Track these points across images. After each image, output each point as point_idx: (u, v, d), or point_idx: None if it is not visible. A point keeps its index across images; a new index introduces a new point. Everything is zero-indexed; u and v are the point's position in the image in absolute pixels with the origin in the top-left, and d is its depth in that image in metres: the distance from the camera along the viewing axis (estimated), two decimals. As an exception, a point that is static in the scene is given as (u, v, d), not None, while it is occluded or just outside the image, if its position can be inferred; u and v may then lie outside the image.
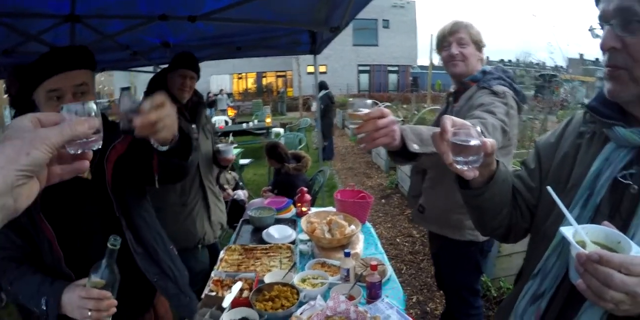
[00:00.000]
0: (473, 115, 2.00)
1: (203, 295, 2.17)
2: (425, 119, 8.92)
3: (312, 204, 4.03)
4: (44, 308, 1.52)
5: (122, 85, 31.81)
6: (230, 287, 2.18)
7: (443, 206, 2.44)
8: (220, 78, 33.70)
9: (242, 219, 3.47)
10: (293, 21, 3.55)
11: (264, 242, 2.91)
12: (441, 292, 3.87)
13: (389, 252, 5.24)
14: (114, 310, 1.48)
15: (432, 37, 10.55)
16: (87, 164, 0.79)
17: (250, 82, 37.49)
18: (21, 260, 1.64)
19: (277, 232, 3.00)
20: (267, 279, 2.29)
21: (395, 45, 35.31)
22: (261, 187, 4.98)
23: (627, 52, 0.96)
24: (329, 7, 3.10)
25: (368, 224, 3.27)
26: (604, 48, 1.00)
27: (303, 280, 2.26)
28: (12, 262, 1.63)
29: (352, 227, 2.67)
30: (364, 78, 36.44)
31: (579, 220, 1.06)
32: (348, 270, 2.19)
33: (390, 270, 2.43)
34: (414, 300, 4.16)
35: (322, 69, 32.99)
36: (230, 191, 5.11)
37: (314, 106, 15.19)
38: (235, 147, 9.16)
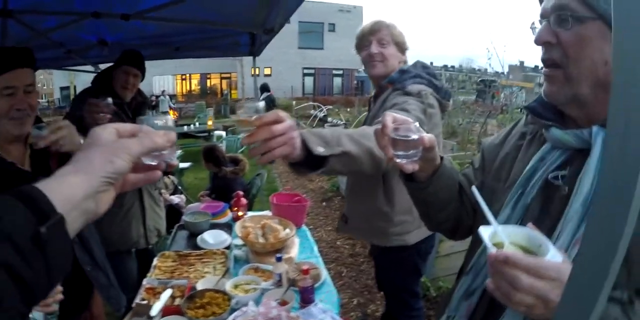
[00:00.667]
0: (379, 121, 1.85)
1: (134, 304, 2.10)
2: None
3: (250, 208, 3.99)
4: None
5: (62, 84, 30.66)
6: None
7: (365, 214, 2.40)
8: (163, 79, 32.98)
9: (177, 225, 3.38)
10: (230, 22, 3.51)
11: (199, 248, 2.85)
12: (382, 293, 3.90)
13: (330, 255, 5.26)
14: (61, 296, 1.56)
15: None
16: (159, 174, 0.84)
17: (194, 84, 36.88)
18: None
19: (211, 238, 2.94)
20: (200, 285, 2.24)
21: (340, 49, 35.47)
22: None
23: (561, 48, 0.97)
24: (265, 8, 3.07)
25: (304, 228, 3.24)
26: (538, 42, 1.01)
27: (235, 286, 2.22)
28: None
29: (287, 231, 2.65)
30: (309, 81, 36.58)
31: (509, 220, 1.08)
32: (280, 275, 2.17)
33: (324, 274, 2.42)
34: (354, 302, 4.17)
35: (266, 71, 32.85)
36: (167, 196, 4.98)
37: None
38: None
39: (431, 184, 1.24)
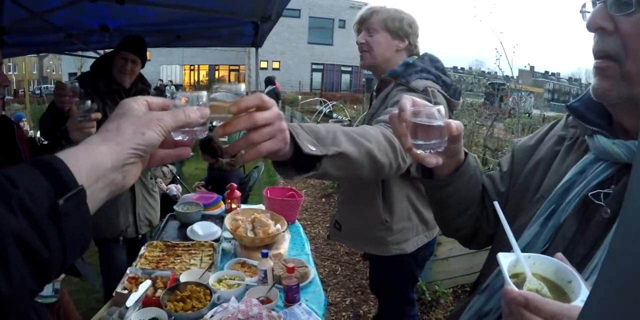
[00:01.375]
0: (380, 120, 1.55)
1: (114, 293, 2.04)
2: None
3: (246, 201, 3.92)
4: None
5: (70, 70, 30.61)
6: (148, 285, 2.07)
7: (361, 223, 2.23)
8: (170, 68, 33.01)
9: (168, 214, 3.32)
10: (229, 10, 3.44)
11: (189, 239, 2.79)
12: (375, 295, 3.84)
13: (325, 252, 5.20)
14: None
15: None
16: (188, 150, 0.81)
17: (202, 75, 36.89)
18: None
19: (201, 229, 2.88)
20: (183, 278, 2.18)
21: (350, 46, 35.31)
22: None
23: (618, 36, 0.80)
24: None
25: (298, 224, 3.17)
26: (591, 27, 0.84)
27: (219, 281, 2.15)
28: None
29: (278, 226, 2.57)
30: (317, 76, 36.54)
31: (535, 239, 0.94)
32: (265, 272, 2.10)
33: (313, 273, 2.34)
34: (347, 302, 4.10)
35: (275, 65, 32.92)
36: (163, 185, 4.93)
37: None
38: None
39: (452, 183, 1.09)
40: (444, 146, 0.93)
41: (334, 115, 16.61)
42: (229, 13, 3.49)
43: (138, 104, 0.71)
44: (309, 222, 6.09)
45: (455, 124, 0.92)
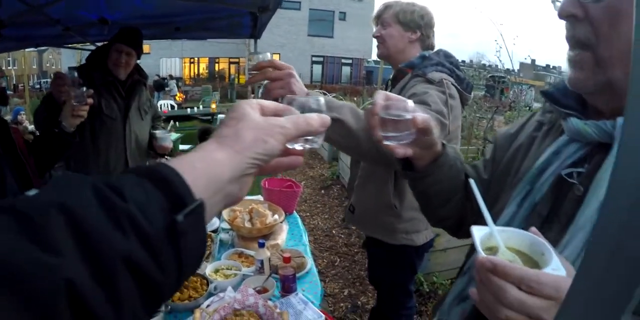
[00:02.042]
0: None
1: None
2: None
3: (244, 191, 3.90)
4: None
5: (70, 64, 30.54)
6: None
7: (372, 207, 2.27)
8: (170, 61, 32.94)
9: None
10: (232, 1, 3.41)
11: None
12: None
13: (324, 243, 5.20)
14: None
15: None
16: (301, 159, 0.75)
17: (202, 68, 36.79)
18: None
19: (199, 220, 2.87)
20: (180, 268, 2.17)
21: (350, 38, 35.42)
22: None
23: (589, 23, 0.82)
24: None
25: (296, 215, 3.16)
26: (562, 15, 0.86)
27: (216, 271, 2.15)
28: None
29: (275, 217, 2.57)
30: (317, 69, 36.42)
31: (512, 219, 0.96)
32: (262, 262, 2.10)
33: (310, 263, 2.34)
34: (345, 293, 4.10)
35: (275, 57, 32.63)
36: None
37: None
38: (173, 132, 8.94)
39: (432, 173, 1.12)
40: (411, 138, 0.99)
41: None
42: (226, 3, 3.47)
43: (253, 107, 0.65)
44: (308, 214, 6.10)
45: (420, 117, 0.95)
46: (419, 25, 2.18)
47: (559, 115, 0.99)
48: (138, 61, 3.04)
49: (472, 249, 1.14)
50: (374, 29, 2.29)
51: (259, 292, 1.92)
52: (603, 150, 0.86)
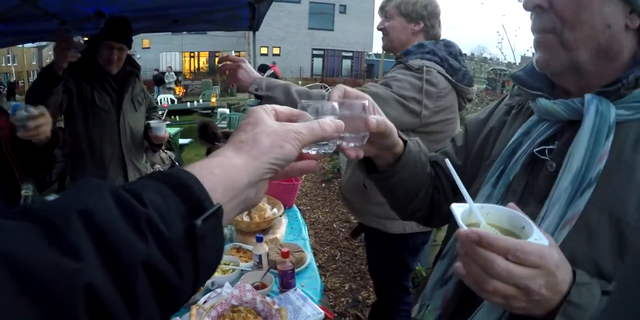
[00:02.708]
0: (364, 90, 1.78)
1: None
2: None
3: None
4: None
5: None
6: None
7: (351, 185, 2.33)
8: (170, 55, 32.90)
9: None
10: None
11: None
12: (374, 280, 3.82)
13: (325, 237, 5.18)
14: None
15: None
16: (314, 164, 0.75)
17: (202, 61, 36.72)
18: None
19: (197, 215, 2.83)
20: (178, 263, 2.14)
21: (351, 31, 35.31)
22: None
23: (554, 13, 0.85)
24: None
25: (296, 208, 3.14)
26: (527, 7, 0.89)
27: (214, 266, 2.12)
28: None
29: (274, 210, 2.54)
30: (318, 62, 36.36)
31: (488, 199, 0.97)
32: (260, 257, 2.06)
33: (309, 258, 2.30)
34: (346, 288, 4.07)
35: (275, 51, 32.75)
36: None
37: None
38: (173, 126, 8.92)
39: (396, 173, 1.09)
40: (363, 141, 0.88)
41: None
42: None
43: (268, 113, 0.67)
44: (309, 208, 6.09)
45: (375, 120, 0.88)
46: (422, 15, 2.16)
47: (528, 97, 1.00)
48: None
49: (451, 232, 1.15)
50: (379, 21, 2.29)
51: (257, 287, 1.89)
52: (572, 127, 0.88)
